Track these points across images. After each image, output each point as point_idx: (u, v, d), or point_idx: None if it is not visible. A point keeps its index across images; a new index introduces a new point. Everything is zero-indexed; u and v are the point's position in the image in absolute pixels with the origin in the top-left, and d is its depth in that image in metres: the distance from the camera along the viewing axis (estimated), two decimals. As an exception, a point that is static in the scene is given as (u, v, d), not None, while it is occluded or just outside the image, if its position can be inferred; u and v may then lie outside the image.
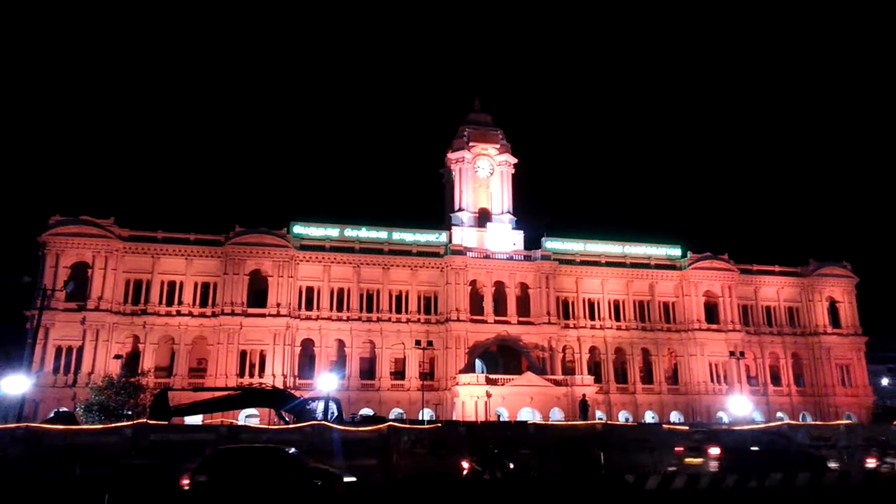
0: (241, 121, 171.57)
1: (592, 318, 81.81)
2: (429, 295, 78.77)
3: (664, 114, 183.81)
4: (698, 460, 28.92)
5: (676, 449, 30.88)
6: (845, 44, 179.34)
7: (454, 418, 67.25)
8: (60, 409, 56.79)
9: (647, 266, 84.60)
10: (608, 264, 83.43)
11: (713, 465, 27.88)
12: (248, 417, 63.48)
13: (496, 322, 77.58)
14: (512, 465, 29.74)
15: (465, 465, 29.06)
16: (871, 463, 33.21)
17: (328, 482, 23.33)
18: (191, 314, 71.51)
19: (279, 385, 64.59)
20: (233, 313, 70.74)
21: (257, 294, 73.16)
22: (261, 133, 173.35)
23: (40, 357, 63.96)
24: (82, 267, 69.24)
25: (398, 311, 77.15)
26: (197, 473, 22.08)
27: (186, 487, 21.84)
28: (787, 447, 34.12)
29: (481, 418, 65.54)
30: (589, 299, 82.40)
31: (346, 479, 24.15)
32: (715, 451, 28.58)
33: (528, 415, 68.59)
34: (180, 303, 71.81)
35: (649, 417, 77.83)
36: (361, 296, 76.48)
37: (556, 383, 72.49)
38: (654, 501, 23.07)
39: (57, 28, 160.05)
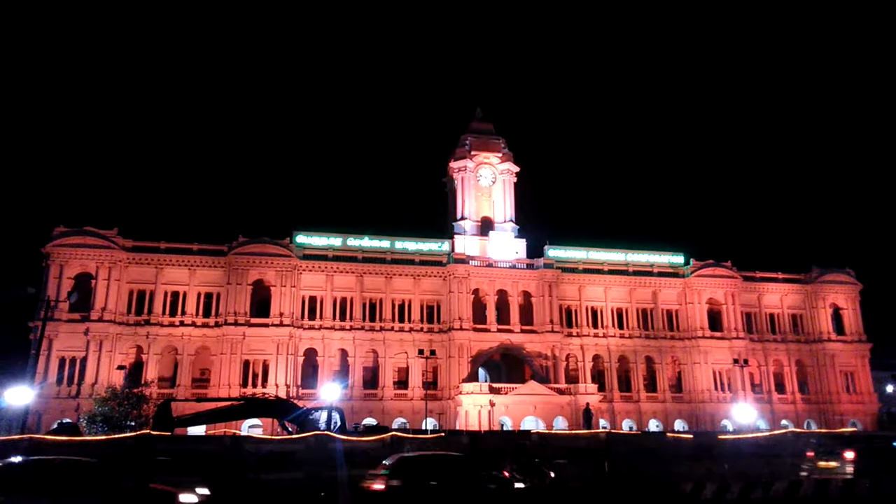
0: (243, 131, 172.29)
1: (595, 326, 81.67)
2: (431, 304, 78.75)
3: (666, 121, 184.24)
4: (833, 464, 28.37)
5: (808, 454, 30.35)
6: (846, 48, 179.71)
7: (457, 427, 67.16)
8: (64, 421, 56.79)
9: (649, 274, 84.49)
10: (611, 272, 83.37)
11: (849, 469, 27.42)
12: (252, 428, 63.44)
13: (499, 331, 77.50)
14: (553, 474, 30.43)
15: (505, 474, 29.33)
16: None
17: (501, 486, 25.36)
18: (194, 324, 71.57)
19: (282, 395, 64.58)
20: (236, 323, 70.79)
21: (260, 304, 73.24)
22: (263, 143, 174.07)
23: (44, 368, 64.03)
24: (86, 278, 69.40)
25: (401, 320, 77.14)
26: (390, 478, 23.91)
27: (381, 490, 23.62)
28: None
29: (485, 427, 65.37)
30: (592, 307, 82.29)
31: (516, 485, 26.16)
32: (850, 454, 28.15)
33: (532, 424, 68.40)
34: (183, 313, 71.88)
35: (653, 426, 77.56)
36: (364, 305, 76.50)
37: (560, 392, 72.32)
38: None
39: (61, 40, 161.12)
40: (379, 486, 23.78)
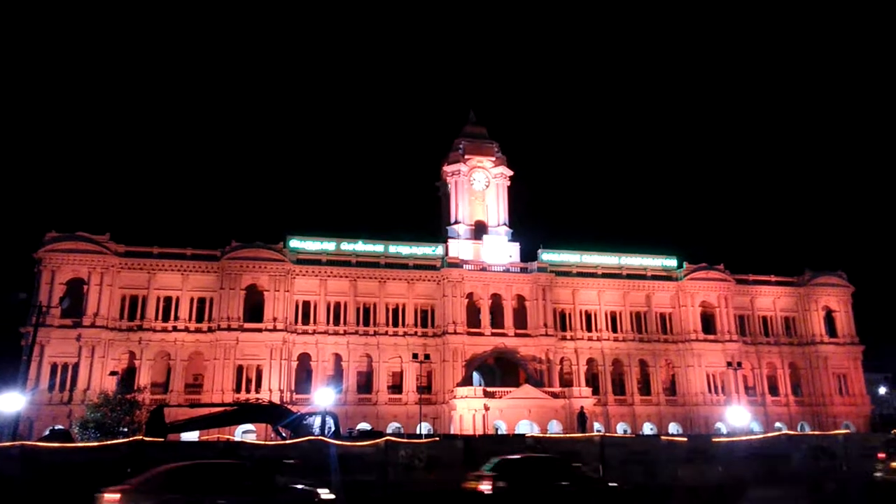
0: (236, 135, 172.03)
1: (589, 329, 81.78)
2: (426, 308, 78.68)
3: (660, 125, 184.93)
4: None
5: (879, 455, 29.13)
6: (839, 52, 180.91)
7: (452, 432, 67.02)
8: (56, 427, 56.44)
9: (643, 277, 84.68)
10: (605, 275, 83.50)
11: None
12: (245, 433, 63.15)
13: (493, 334, 77.49)
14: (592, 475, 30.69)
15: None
16: None
17: (601, 487, 25.91)
18: (187, 329, 71.31)
19: (276, 400, 64.36)
20: (229, 328, 70.56)
21: (253, 309, 73.03)
22: (256, 147, 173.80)
23: (35, 374, 63.58)
24: (78, 283, 69.05)
25: (395, 324, 77.04)
26: (497, 480, 24.23)
27: (488, 492, 24.06)
28: None
29: (479, 431, 65.26)
30: (586, 311, 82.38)
31: (610, 484, 26.65)
32: None
33: (526, 427, 68.39)
34: (176, 318, 71.63)
35: (647, 429, 77.68)
36: (358, 309, 76.36)
37: (554, 395, 72.33)
38: None
39: (54, 44, 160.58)
40: (486, 487, 24.07)
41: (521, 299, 79.59)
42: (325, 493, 20.64)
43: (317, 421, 43.44)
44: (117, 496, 18.16)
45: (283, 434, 42.80)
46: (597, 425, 72.54)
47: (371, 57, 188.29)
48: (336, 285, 76.23)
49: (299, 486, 20.69)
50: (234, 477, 19.66)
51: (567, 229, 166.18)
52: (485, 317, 78.11)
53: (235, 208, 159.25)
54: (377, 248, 79.44)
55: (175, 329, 71.04)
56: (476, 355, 76.47)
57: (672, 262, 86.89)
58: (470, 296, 78.54)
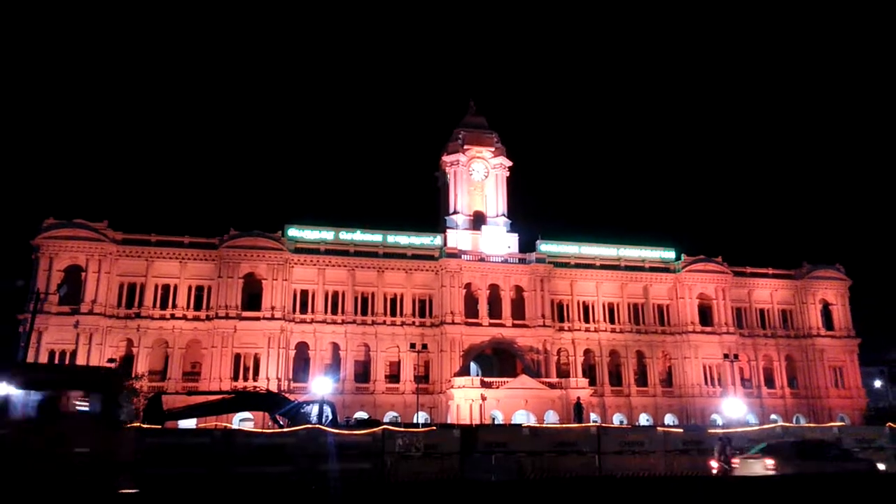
0: (235, 124, 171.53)
1: (587, 320, 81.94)
2: (423, 298, 78.75)
3: (658, 116, 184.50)
4: None
5: None
6: (839, 46, 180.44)
7: (449, 421, 67.24)
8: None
9: (641, 269, 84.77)
10: (602, 267, 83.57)
11: None
12: (243, 421, 63.29)
13: (491, 325, 77.62)
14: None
15: (712, 464, 30.24)
16: None
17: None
18: (185, 317, 71.32)
19: (273, 388, 64.43)
20: (227, 317, 70.60)
21: (251, 297, 73.07)
22: (255, 136, 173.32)
23: (33, 361, 63.61)
24: (76, 270, 69.01)
25: (393, 314, 77.12)
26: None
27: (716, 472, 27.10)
28: None
29: (476, 421, 65.51)
30: (583, 302, 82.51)
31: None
32: None
33: (523, 418, 68.66)
34: (174, 306, 71.64)
35: (644, 420, 78.00)
36: (356, 299, 76.44)
37: (551, 386, 72.55)
38: None
39: (51, 31, 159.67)
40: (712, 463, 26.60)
41: (519, 290, 79.67)
42: (880, 465, 25.58)
43: (314, 409, 43.44)
44: (773, 461, 24.95)
45: (281, 422, 42.85)
46: (593, 416, 72.84)
47: (371, 47, 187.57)
48: (334, 274, 76.25)
49: (863, 458, 26.44)
50: (824, 448, 26.72)
51: (566, 220, 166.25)
52: (483, 307, 78.20)
53: (234, 197, 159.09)
54: (375, 237, 79.43)
55: (173, 317, 71.06)
56: (474, 345, 76.63)
57: (670, 254, 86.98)
58: (468, 286, 78.61)
